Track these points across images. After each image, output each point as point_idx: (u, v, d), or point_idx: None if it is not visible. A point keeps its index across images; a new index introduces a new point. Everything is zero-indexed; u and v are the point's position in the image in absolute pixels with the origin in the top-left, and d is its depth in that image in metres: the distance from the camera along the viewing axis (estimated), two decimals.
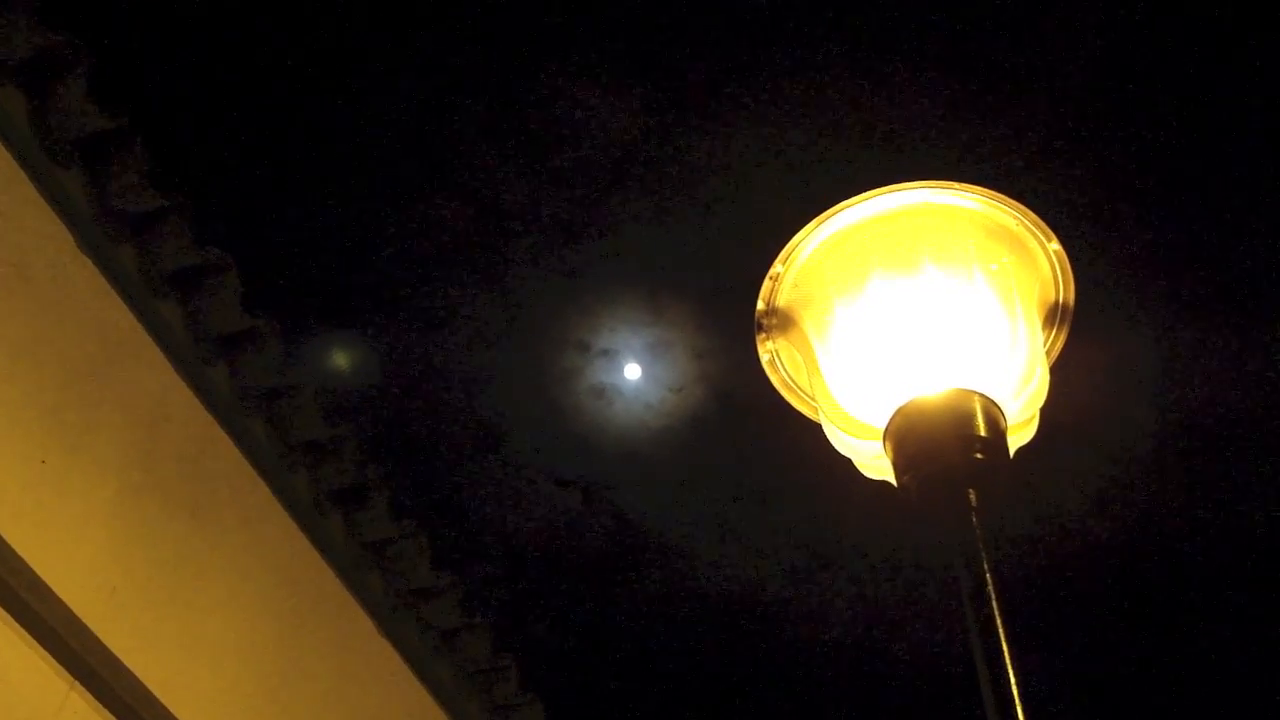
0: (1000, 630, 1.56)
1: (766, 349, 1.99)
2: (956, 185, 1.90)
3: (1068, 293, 1.93)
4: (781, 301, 1.95)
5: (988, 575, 1.61)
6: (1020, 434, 1.84)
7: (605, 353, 7.10)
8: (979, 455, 1.71)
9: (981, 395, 1.75)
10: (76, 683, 3.01)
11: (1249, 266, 6.66)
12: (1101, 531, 7.49)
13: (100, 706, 3.08)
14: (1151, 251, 6.68)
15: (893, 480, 1.78)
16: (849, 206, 1.90)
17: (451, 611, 4.53)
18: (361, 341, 7.16)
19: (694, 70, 6.37)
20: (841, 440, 1.88)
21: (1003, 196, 1.89)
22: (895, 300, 1.84)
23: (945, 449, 1.71)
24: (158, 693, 3.14)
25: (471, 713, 4.78)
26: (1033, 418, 1.86)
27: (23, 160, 3.11)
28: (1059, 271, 1.92)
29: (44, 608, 2.90)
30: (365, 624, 4.26)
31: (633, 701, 8.44)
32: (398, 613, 4.42)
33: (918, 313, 1.82)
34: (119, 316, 3.36)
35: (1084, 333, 1.98)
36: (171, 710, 3.18)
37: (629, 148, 6.53)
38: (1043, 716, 1.49)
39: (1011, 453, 1.77)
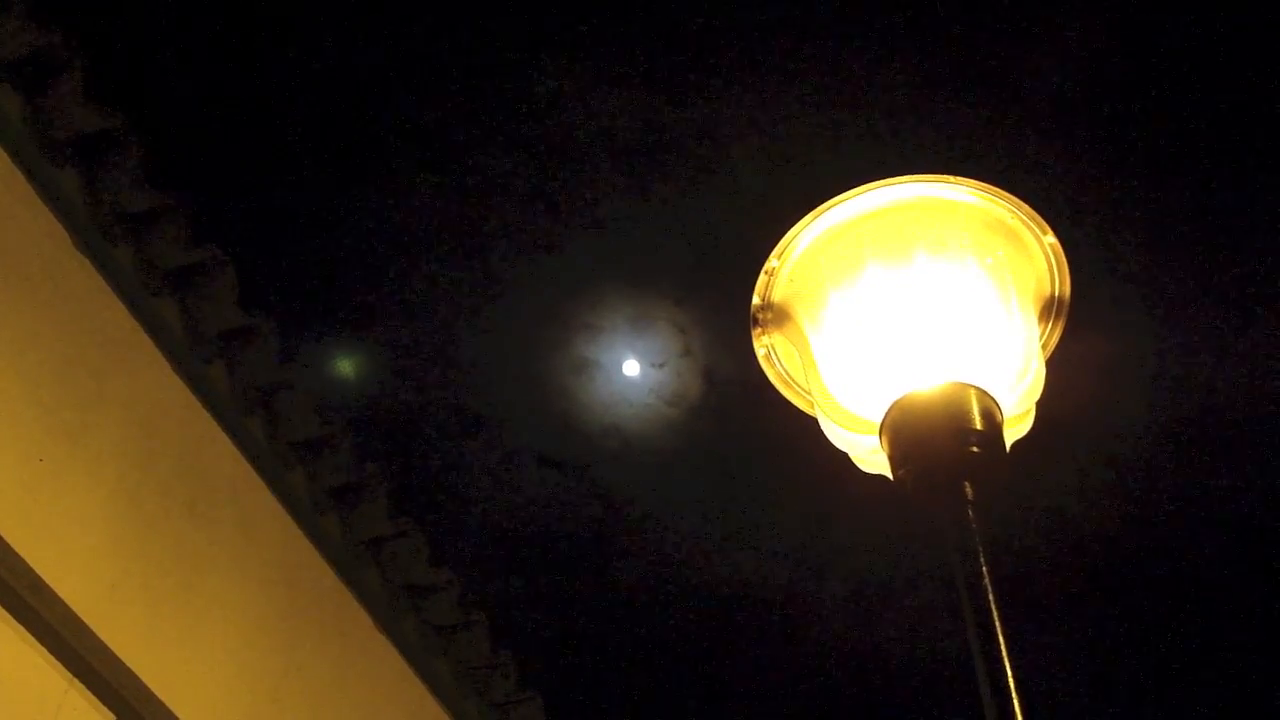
0: (996, 623, 1.57)
1: (762, 343, 1.99)
2: (952, 179, 1.90)
3: (1063, 286, 1.93)
4: (777, 296, 1.95)
5: (983, 568, 1.62)
6: (1016, 427, 1.85)
7: (587, 327, 7.08)
8: (975, 449, 1.71)
9: (977, 389, 1.75)
10: (75, 680, 3.01)
11: (1245, 260, 6.67)
12: (1097, 524, 7.50)
13: (99, 704, 3.08)
14: (1148, 245, 6.68)
15: (889, 474, 1.78)
16: (844, 200, 1.90)
17: (449, 608, 4.53)
18: (356, 337, 7.16)
19: (677, 48, 6.35)
20: (838, 434, 1.88)
21: (998, 190, 1.89)
22: (891, 294, 1.84)
23: (941, 443, 1.71)
24: (156, 689, 3.14)
25: (470, 709, 4.78)
26: (1029, 411, 1.86)
27: (18, 159, 3.10)
28: (1055, 265, 1.92)
29: (42, 605, 2.90)
30: (363, 621, 4.26)
31: (632, 696, 8.45)
32: (395, 609, 4.42)
33: (913, 307, 1.82)
34: (116, 315, 3.35)
35: (1080, 326, 1.98)
36: (170, 707, 3.18)
37: (609, 122, 6.51)
38: (1038, 706, 1.50)
39: (1008, 446, 1.78)
